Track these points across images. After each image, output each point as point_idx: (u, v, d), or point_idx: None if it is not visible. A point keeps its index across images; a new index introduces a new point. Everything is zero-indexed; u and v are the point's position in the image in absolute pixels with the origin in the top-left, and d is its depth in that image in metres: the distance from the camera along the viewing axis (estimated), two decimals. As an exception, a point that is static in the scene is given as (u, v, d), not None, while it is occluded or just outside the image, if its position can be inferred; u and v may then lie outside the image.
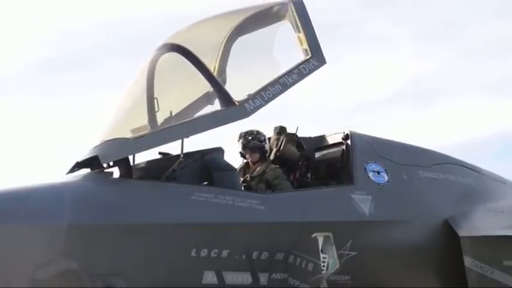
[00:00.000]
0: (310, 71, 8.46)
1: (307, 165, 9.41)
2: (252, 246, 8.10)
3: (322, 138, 9.73)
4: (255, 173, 9.08)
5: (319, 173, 9.47)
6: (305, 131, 9.71)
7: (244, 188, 8.87)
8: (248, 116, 8.22)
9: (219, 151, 8.56)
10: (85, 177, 7.99)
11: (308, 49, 8.52)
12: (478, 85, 24.52)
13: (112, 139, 8.05)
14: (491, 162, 22.66)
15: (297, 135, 9.59)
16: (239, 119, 8.27)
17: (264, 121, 9.21)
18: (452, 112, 23.59)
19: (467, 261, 9.00)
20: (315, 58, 8.50)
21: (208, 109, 8.78)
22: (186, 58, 8.27)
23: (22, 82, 23.79)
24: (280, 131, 9.57)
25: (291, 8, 8.69)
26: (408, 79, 24.36)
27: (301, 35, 8.58)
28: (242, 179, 9.05)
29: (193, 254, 7.86)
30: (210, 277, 7.97)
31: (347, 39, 22.89)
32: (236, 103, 8.13)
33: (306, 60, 8.49)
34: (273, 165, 9.11)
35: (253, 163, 9.18)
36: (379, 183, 9.00)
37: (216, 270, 7.98)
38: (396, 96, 24.75)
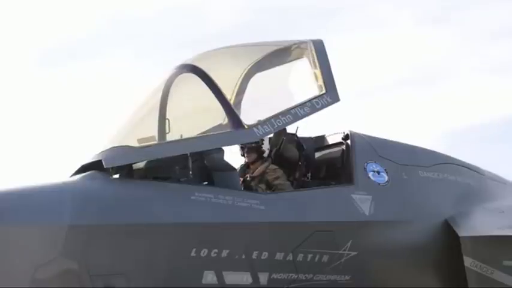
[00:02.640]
0: (323, 106, 8.63)
1: (307, 165, 9.42)
2: (252, 246, 8.11)
3: (322, 138, 9.75)
4: (255, 173, 9.09)
5: (319, 173, 9.48)
6: (305, 128, 9.75)
7: (244, 188, 8.88)
8: (255, 140, 8.62)
9: (219, 151, 8.58)
10: (85, 177, 8.00)
11: (323, 85, 8.67)
12: (481, 67, 24.43)
13: (118, 146, 8.15)
14: (495, 145, 22.58)
15: (296, 135, 9.59)
16: (246, 141, 8.72)
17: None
18: (456, 94, 23.47)
19: (467, 261, 9.01)
20: (329, 95, 8.67)
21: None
22: (201, 79, 8.40)
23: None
24: (280, 131, 9.57)
25: (310, 46, 8.91)
26: (410, 62, 24.26)
27: (318, 71, 8.77)
28: (242, 179, 9.07)
29: (193, 254, 7.88)
30: (210, 277, 7.99)
31: (347, 23, 22.90)
32: (245, 126, 8.27)
33: (319, 95, 8.66)
34: (273, 166, 9.12)
35: (251, 163, 9.21)
36: (379, 183, 9.02)
37: (216, 270, 8.00)
38: (398, 81, 24.67)
